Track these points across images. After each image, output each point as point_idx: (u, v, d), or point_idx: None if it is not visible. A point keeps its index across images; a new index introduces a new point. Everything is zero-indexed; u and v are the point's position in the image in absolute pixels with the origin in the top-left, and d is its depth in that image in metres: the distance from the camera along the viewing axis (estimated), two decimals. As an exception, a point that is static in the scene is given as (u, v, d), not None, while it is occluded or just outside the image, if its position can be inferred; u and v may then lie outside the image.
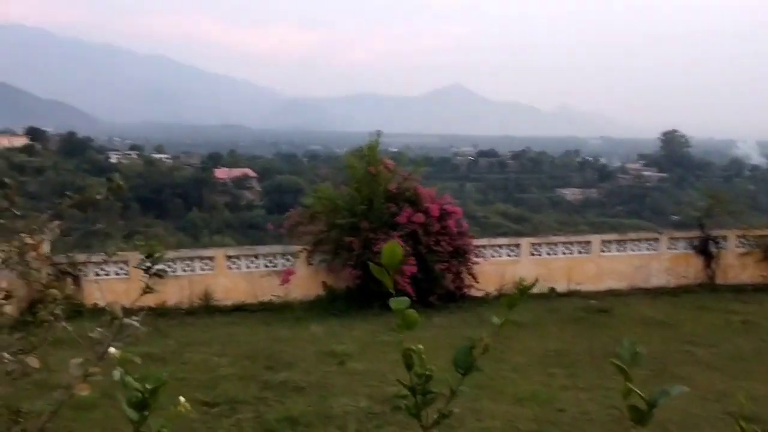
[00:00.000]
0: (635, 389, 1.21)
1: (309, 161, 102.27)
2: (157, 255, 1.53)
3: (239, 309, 13.04)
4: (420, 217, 12.88)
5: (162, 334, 10.86)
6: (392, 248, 1.44)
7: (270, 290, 13.31)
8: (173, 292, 13.10)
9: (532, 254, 14.59)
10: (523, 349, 9.69)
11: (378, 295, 12.32)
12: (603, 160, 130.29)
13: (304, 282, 13.43)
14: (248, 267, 13.63)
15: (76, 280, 12.68)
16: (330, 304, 12.94)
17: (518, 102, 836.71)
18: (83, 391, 1.33)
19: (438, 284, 12.86)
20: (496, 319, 1.36)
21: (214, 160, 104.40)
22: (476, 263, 13.62)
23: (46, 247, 12.70)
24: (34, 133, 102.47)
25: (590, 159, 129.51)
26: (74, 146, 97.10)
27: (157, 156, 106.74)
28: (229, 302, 13.24)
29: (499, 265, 14.22)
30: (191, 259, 13.51)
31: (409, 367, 1.39)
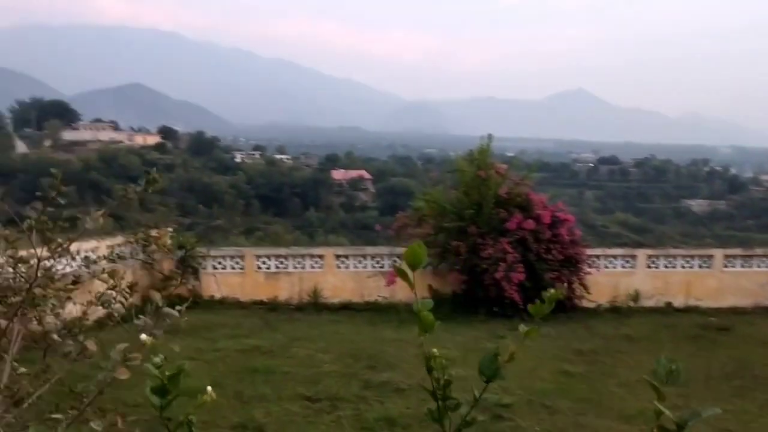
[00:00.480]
0: (664, 409, 1.14)
1: (423, 164, 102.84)
2: (189, 246, 1.58)
3: (346, 307, 13.28)
4: (530, 224, 12.60)
5: (271, 328, 11.24)
6: (415, 250, 1.41)
7: (376, 291, 13.47)
8: (285, 288, 13.53)
9: (649, 266, 13.97)
10: (635, 365, 9.30)
11: (484, 302, 12.17)
12: (733, 171, 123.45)
13: (410, 284, 13.44)
14: (356, 267, 13.84)
15: (196, 272, 13.26)
16: (435, 308, 12.88)
17: (642, 108, 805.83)
18: (122, 375, 1.41)
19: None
20: (523, 327, 1.31)
21: (332, 161, 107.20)
22: (589, 273, 13.16)
23: (168, 240, 13.42)
24: (166, 132, 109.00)
25: (719, 169, 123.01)
26: (202, 145, 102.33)
27: (278, 156, 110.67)
28: (336, 300, 13.51)
29: (613, 277, 13.74)
30: (302, 256, 13.88)
31: (429, 370, 1.37)
